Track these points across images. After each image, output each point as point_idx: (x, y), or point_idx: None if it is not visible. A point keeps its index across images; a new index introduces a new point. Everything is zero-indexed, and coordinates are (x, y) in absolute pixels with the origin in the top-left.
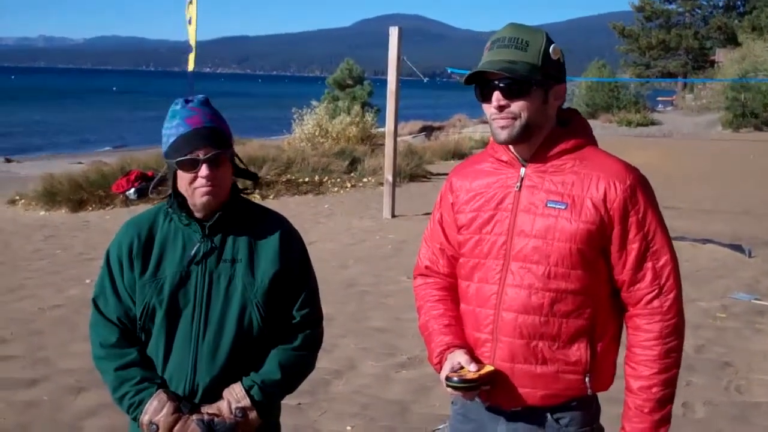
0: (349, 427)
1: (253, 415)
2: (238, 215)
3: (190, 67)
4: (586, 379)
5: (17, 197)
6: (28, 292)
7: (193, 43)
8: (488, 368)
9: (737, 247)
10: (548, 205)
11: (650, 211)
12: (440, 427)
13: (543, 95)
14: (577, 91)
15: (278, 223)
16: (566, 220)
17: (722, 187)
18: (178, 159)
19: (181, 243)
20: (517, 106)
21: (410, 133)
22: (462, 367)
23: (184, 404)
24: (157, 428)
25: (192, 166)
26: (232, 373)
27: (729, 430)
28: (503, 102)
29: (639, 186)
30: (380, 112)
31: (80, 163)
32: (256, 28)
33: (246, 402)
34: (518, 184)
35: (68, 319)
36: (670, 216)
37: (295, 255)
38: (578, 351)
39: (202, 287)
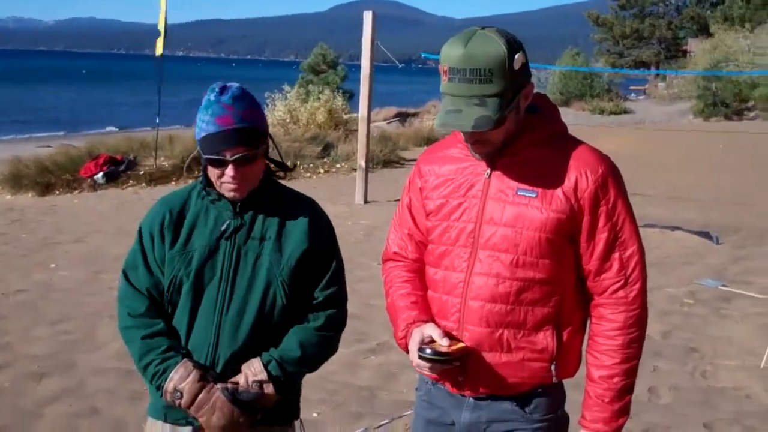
0: (316, 414)
1: (269, 389)
2: (269, 196)
3: (158, 51)
4: (552, 367)
5: None
6: None
7: (161, 27)
8: (461, 344)
9: (705, 235)
10: (518, 193)
11: (620, 201)
12: (407, 413)
13: (515, 108)
14: (551, 79)
15: (308, 205)
16: (536, 209)
17: (692, 176)
18: (206, 156)
19: (213, 218)
20: (492, 135)
21: (385, 119)
22: (433, 341)
23: (211, 373)
24: (182, 395)
25: (219, 164)
26: (253, 348)
27: (694, 416)
28: (478, 138)
29: (610, 176)
30: (353, 98)
31: (48, 146)
32: (231, 11)
33: (263, 376)
34: (488, 171)
35: (32, 304)
36: (641, 203)
37: (323, 236)
38: (544, 339)
39: (229, 262)
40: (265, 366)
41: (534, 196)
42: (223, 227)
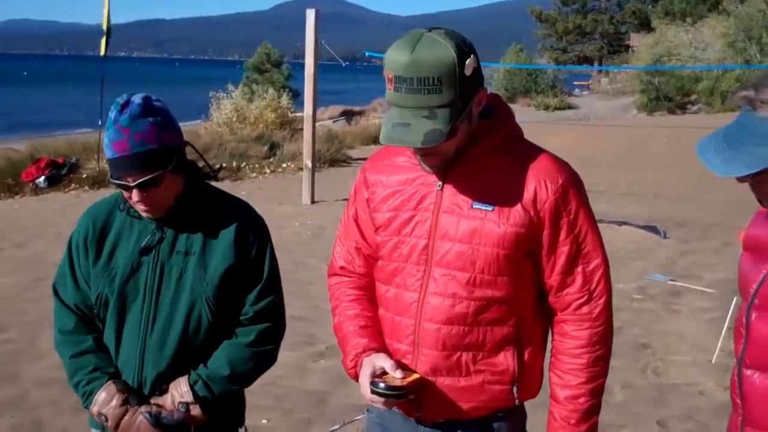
0: (265, 420)
1: (196, 410)
2: (194, 206)
3: (102, 51)
4: (514, 389)
5: None
6: None
7: (105, 27)
8: (415, 376)
9: (653, 229)
10: (474, 206)
11: (582, 211)
12: (358, 417)
13: (467, 116)
14: (495, 76)
15: (238, 213)
16: (494, 223)
17: (637, 171)
18: (111, 180)
19: (136, 233)
20: (443, 147)
21: (330, 118)
22: (385, 373)
23: (133, 396)
24: (107, 419)
25: (125, 188)
26: (179, 366)
27: (648, 413)
28: (428, 151)
29: (571, 185)
30: (299, 97)
31: None
32: (173, 11)
33: (189, 397)
34: (440, 183)
35: None
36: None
37: (251, 246)
38: (505, 360)
39: (152, 279)
40: (192, 386)
41: (490, 209)
42: (144, 243)
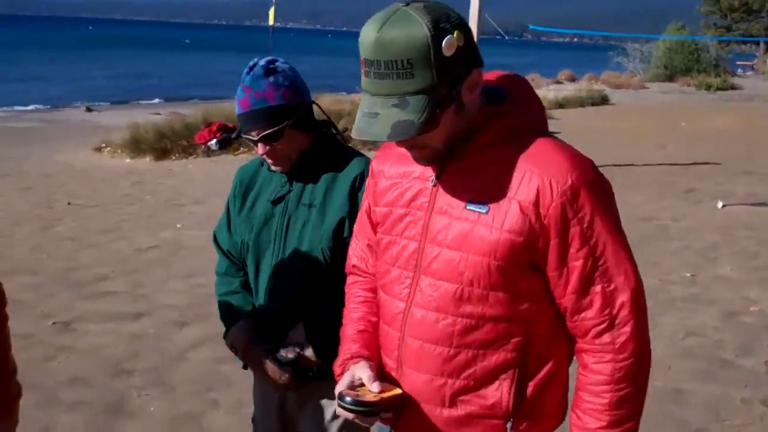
0: None
1: (309, 352)
2: (320, 162)
3: (270, 20)
4: (508, 426)
5: (103, 145)
6: (123, 233)
7: None
8: (395, 391)
9: None
10: (467, 207)
11: (599, 219)
12: None
13: (454, 104)
14: (655, 52)
15: (356, 166)
16: (486, 227)
17: None
18: (241, 134)
19: (272, 186)
20: (426, 139)
21: None
22: (362, 385)
23: (260, 333)
24: (236, 351)
25: (252, 143)
26: (299, 310)
27: None
28: (411, 143)
29: (585, 186)
30: None
31: (158, 113)
32: None
33: (303, 340)
34: (433, 178)
35: (164, 259)
36: (752, 182)
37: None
38: (498, 391)
39: (281, 228)
40: (307, 330)
41: (485, 212)
42: (274, 195)
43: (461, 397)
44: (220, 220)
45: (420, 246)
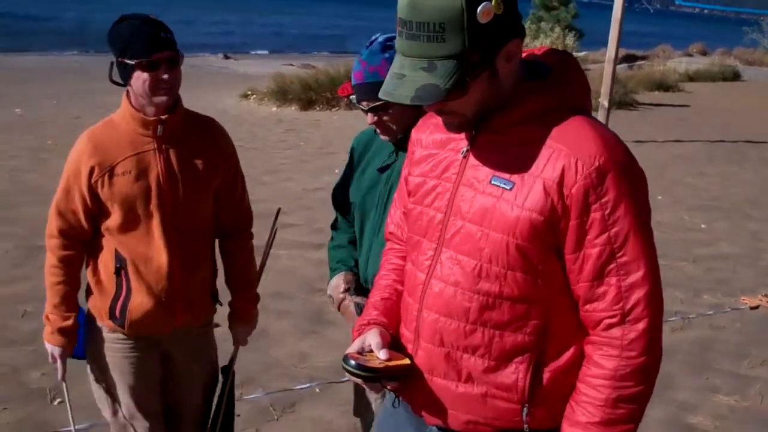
0: None
1: None
2: None
3: None
4: (524, 411)
5: (249, 92)
6: (286, 175)
7: None
8: (402, 361)
9: None
10: (492, 182)
11: (624, 206)
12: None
13: (487, 73)
14: None
15: None
16: (507, 203)
17: None
18: (355, 103)
19: (383, 155)
20: (455, 105)
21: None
22: (371, 351)
23: (354, 287)
24: (333, 301)
25: (363, 111)
26: None
27: None
28: (439, 107)
29: (612, 170)
30: (583, 37)
31: (291, 65)
32: None
33: None
34: (464, 149)
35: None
36: None
37: None
38: (514, 374)
39: (384, 194)
40: None
41: (509, 188)
42: (381, 163)
43: (477, 375)
44: (339, 178)
45: (445, 218)
